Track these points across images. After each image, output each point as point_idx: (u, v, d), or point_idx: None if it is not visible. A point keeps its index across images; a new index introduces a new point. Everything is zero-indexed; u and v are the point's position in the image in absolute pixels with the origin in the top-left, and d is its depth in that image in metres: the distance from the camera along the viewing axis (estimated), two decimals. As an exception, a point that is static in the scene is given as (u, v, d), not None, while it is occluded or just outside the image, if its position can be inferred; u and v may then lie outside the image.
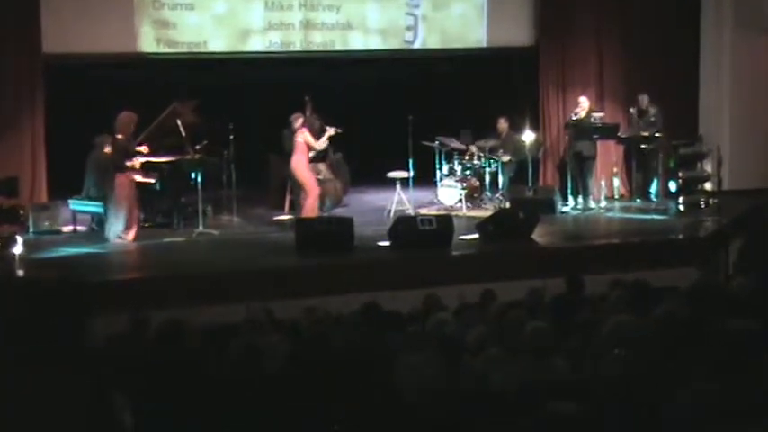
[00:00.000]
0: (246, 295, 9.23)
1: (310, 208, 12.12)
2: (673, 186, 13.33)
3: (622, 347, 5.46)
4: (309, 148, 12.21)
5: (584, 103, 13.64)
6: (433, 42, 14.34)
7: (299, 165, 12.17)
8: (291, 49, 13.72)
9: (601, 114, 13.88)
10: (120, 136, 11.28)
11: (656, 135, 13.57)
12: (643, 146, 13.65)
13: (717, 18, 14.25)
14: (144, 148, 11.68)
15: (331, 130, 12.39)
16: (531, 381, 5.25)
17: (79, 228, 12.09)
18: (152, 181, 12.08)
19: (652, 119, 13.60)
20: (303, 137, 12.10)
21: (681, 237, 11.94)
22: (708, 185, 13.61)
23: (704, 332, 5.70)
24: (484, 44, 14.41)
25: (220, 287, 9.77)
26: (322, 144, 12.37)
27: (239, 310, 8.00)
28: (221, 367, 5.79)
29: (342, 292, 9.49)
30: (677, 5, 14.51)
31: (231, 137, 12.32)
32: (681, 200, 13.06)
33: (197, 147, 12.24)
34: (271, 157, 13.75)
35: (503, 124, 14.04)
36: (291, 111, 12.58)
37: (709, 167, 13.69)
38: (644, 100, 13.68)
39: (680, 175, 13.28)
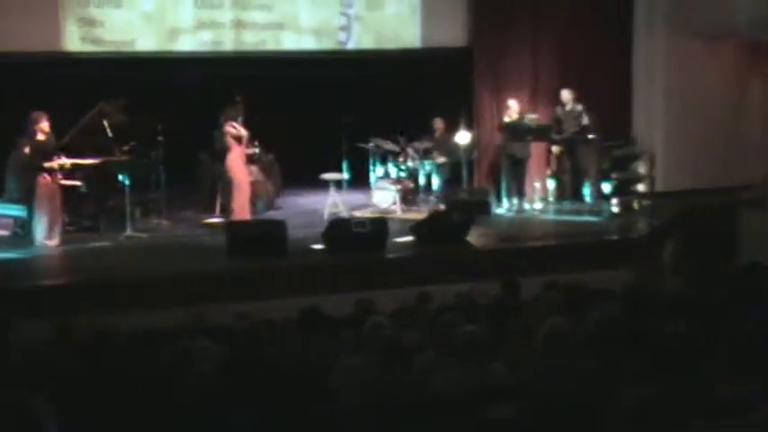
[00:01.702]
0: (176, 300, 9.12)
1: (241, 208, 11.93)
2: (606, 188, 13.41)
3: (558, 350, 5.41)
4: (239, 140, 12.05)
5: (513, 107, 13.65)
6: (367, 42, 14.22)
7: (235, 162, 12.01)
8: (222, 48, 13.49)
9: (535, 116, 13.90)
10: (40, 137, 11.00)
11: (589, 137, 13.61)
12: (578, 147, 13.73)
13: (649, 20, 14.36)
14: (62, 161, 11.35)
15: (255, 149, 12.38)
16: (468, 384, 5.18)
17: (1, 232, 11.73)
18: (77, 183, 11.78)
19: (578, 118, 13.59)
20: (229, 131, 11.95)
21: (615, 238, 12.01)
22: (641, 187, 13.72)
23: (639, 334, 5.68)
24: (418, 45, 14.34)
25: (149, 292, 9.59)
26: (244, 132, 12.16)
27: (169, 316, 7.84)
28: (151, 375, 5.62)
29: (275, 296, 9.37)
30: (611, 7, 14.58)
31: (160, 137, 12.09)
32: (614, 201, 13.13)
33: (124, 148, 12.00)
34: (201, 159, 13.53)
35: (438, 125, 13.99)
36: (222, 111, 12.40)
37: (642, 169, 13.78)
38: (565, 94, 13.70)
39: (613, 176, 13.37)
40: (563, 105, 13.75)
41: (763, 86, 14.72)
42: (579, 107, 13.65)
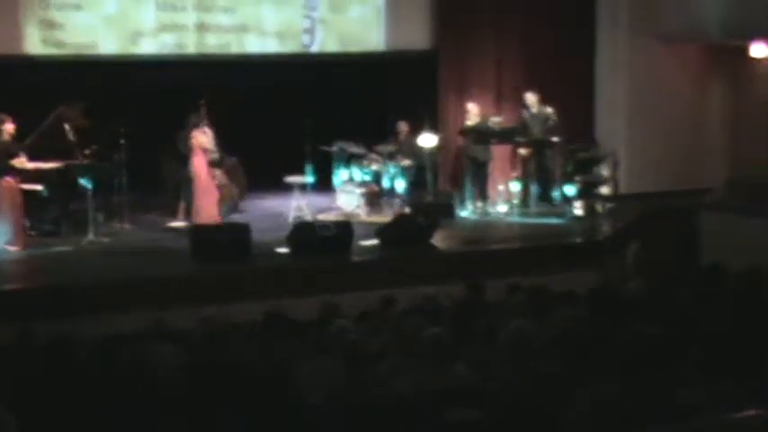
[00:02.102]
0: (139, 305, 9.05)
1: (210, 213, 11.86)
2: (570, 190, 13.46)
3: (522, 352, 5.43)
4: (204, 150, 12.03)
5: (473, 110, 13.71)
6: (332, 45, 14.20)
7: (201, 167, 11.95)
8: (185, 51, 13.41)
9: (499, 119, 13.95)
10: (5, 137, 10.91)
11: (553, 139, 13.67)
12: (544, 150, 13.79)
13: (612, 22, 14.46)
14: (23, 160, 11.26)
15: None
16: (433, 387, 5.18)
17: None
18: (39, 187, 11.63)
19: (550, 122, 13.65)
20: (195, 140, 11.90)
21: (578, 241, 12.07)
22: (604, 189, 13.79)
23: (602, 336, 5.71)
24: (382, 47, 14.34)
25: (112, 297, 9.51)
26: (210, 148, 12.13)
27: (132, 320, 7.78)
28: (113, 380, 5.58)
29: (239, 299, 9.33)
30: (574, 10, 14.66)
31: (122, 141, 11.99)
32: (578, 204, 13.19)
33: (86, 151, 11.88)
34: (164, 162, 13.44)
35: (402, 128, 14.00)
36: (186, 114, 12.34)
37: (605, 171, 13.87)
38: (530, 97, 13.75)
39: (577, 179, 13.43)
40: (529, 108, 13.81)
41: (725, 89, 14.88)
42: (548, 110, 13.70)
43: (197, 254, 10.58)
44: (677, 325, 5.89)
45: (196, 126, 12.14)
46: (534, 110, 13.74)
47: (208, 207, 11.90)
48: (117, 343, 6.57)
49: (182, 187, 12.77)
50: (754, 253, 8.98)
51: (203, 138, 12.05)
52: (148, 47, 13.28)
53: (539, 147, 13.81)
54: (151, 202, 13.48)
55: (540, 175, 13.94)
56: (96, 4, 12.92)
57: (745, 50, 14.04)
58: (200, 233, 10.99)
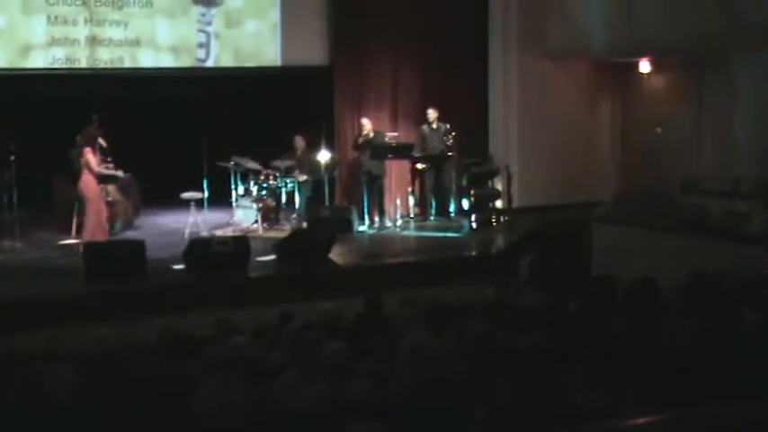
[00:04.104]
0: (31, 324, 8.82)
1: (92, 230, 11.64)
2: (465, 204, 13.67)
3: (419, 366, 5.47)
4: (91, 170, 11.80)
5: (366, 125, 13.83)
6: (227, 60, 14.14)
7: (87, 183, 11.73)
8: (77, 65, 13.18)
9: (395, 134, 14.08)
10: None
11: (449, 154, 13.86)
12: (438, 164, 13.97)
13: (503, 40, 14.74)
14: None
15: (119, 173, 12.10)
16: (332, 401, 5.19)
17: None
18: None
19: (444, 137, 13.84)
20: (85, 158, 11.67)
21: (474, 253, 12.24)
22: (499, 203, 14.04)
23: (498, 347, 5.79)
24: (278, 63, 14.33)
25: (3, 316, 9.26)
26: (103, 171, 11.91)
27: (24, 340, 7.59)
28: (6, 401, 5.44)
29: (134, 317, 9.19)
30: (468, 27, 14.89)
31: (12, 157, 11.71)
32: (473, 217, 13.40)
33: (-26, 168, 11.60)
34: (56, 178, 13.16)
35: (299, 143, 14.01)
36: (79, 129, 12.12)
37: (499, 185, 14.11)
38: (431, 113, 13.93)
39: (472, 192, 13.64)
40: (429, 124, 13.98)
41: (614, 105, 15.29)
42: (446, 126, 13.90)
43: (91, 272, 10.40)
44: (570, 334, 6.02)
45: (88, 143, 11.88)
46: (434, 125, 13.93)
47: (93, 225, 11.66)
48: (9, 363, 6.41)
49: (75, 204, 12.53)
50: (642, 263, 9.23)
51: (91, 157, 11.78)
52: (39, 61, 13.02)
53: (435, 161, 13.99)
54: (44, 219, 13.20)
55: (436, 190, 14.12)
56: (-17, 18, 12.63)
57: (633, 67, 14.46)
58: (93, 251, 10.80)
